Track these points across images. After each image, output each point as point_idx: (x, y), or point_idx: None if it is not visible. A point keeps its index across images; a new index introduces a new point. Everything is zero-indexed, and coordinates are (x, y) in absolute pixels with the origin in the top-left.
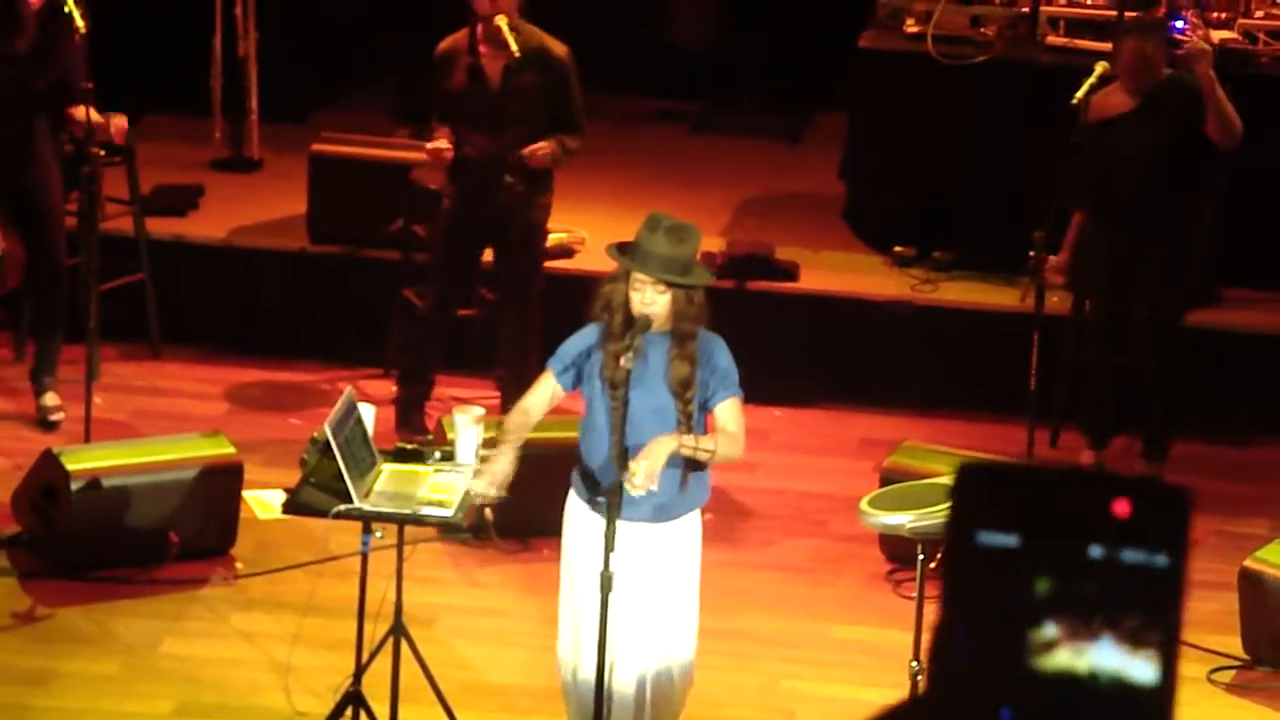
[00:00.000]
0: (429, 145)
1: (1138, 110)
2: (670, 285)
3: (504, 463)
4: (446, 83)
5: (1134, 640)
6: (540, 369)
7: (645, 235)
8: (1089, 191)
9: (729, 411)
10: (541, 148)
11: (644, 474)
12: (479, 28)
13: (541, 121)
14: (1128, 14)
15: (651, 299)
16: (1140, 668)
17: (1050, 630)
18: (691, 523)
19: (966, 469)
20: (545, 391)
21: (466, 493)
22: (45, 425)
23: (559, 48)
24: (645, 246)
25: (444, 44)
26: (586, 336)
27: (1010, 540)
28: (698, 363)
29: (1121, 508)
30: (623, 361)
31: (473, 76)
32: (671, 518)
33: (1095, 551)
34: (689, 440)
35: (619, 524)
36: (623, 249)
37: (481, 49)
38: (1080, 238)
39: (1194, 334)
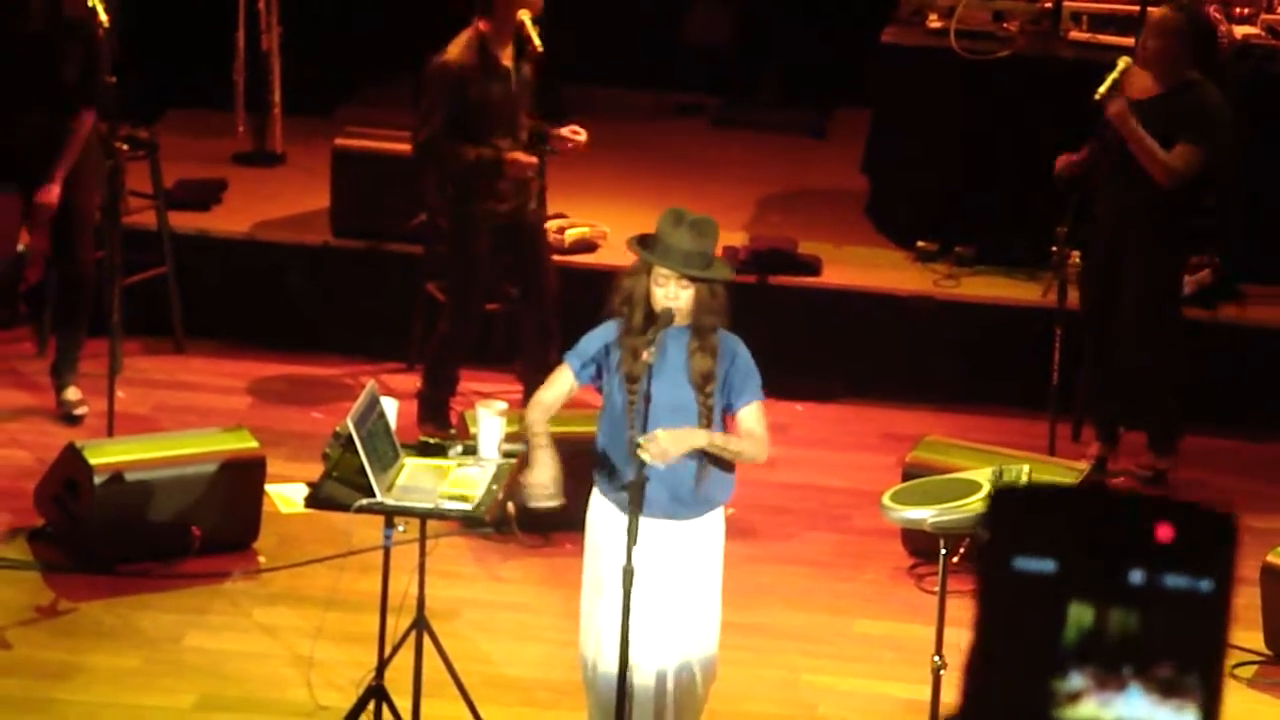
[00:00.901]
0: (514, 161)
1: (1156, 100)
2: (694, 280)
3: (552, 465)
4: (473, 93)
5: (1165, 689)
6: (560, 360)
7: (668, 229)
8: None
9: (753, 416)
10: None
11: (659, 446)
12: (493, 29)
13: (531, 110)
14: (1150, 9)
15: (675, 293)
16: (1168, 716)
17: (1077, 681)
18: (714, 519)
19: (1002, 494)
20: (563, 385)
21: (489, 488)
22: (69, 420)
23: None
24: (668, 241)
25: (453, 54)
26: (605, 332)
27: (1048, 565)
28: (719, 359)
29: (1165, 532)
30: (644, 355)
31: (500, 81)
32: (694, 514)
33: (1136, 576)
34: (719, 438)
35: (642, 520)
36: (643, 242)
37: (508, 51)
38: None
39: (1215, 330)
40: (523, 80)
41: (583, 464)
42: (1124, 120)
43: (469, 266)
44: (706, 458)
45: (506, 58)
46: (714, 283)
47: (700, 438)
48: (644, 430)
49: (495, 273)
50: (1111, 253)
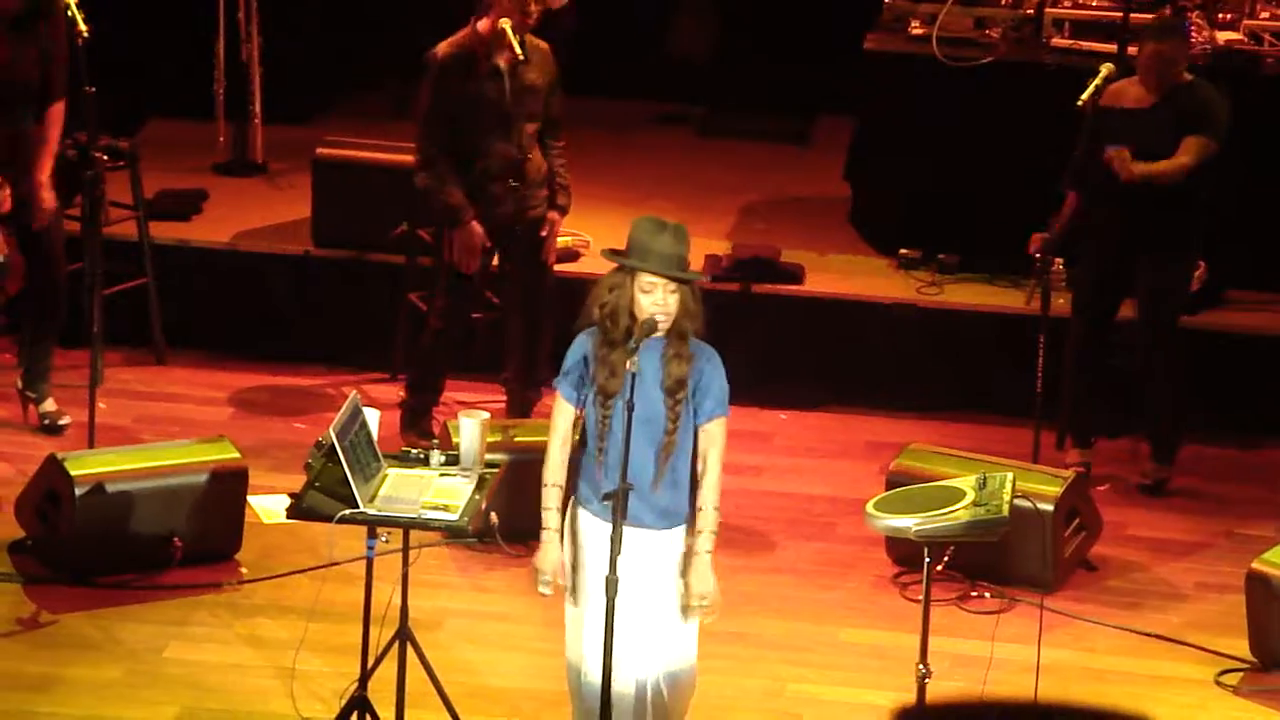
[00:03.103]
0: (463, 238)
1: (1154, 108)
2: (681, 283)
3: (554, 551)
4: (458, 89)
5: None
6: (548, 373)
7: (648, 237)
8: (1088, 177)
9: (716, 431)
10: (553, 247)
11: (713, 604)
12: (486, 30)
13: (541, 119)
14: (1134, 16)
15: (664, 300)
16: None
17: None
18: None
19: None
20: (567, 418)
21: (472, 498)
22: (52, 431)
23: (544, 43)
24: (652, 247)
25: (444, 50)
26: (581, 344)
27: None
28: (691, 367)
29: None
30: (629, 365)
31: (490, 80)
32: (677, 523)
33: None
34: (707, 544)
35: (624, 529)
36: (620, 253)
37: (496, 56)
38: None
39: (1202, 336)
40: (521, 84)
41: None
42: (1130, 176)
43: (446, 264)
44: (665, 463)
45: (502, 59)
46: (693, 285)
47: (709, 577)
48: (626, 440)
49: (482, 280)
50: (1113, 262)
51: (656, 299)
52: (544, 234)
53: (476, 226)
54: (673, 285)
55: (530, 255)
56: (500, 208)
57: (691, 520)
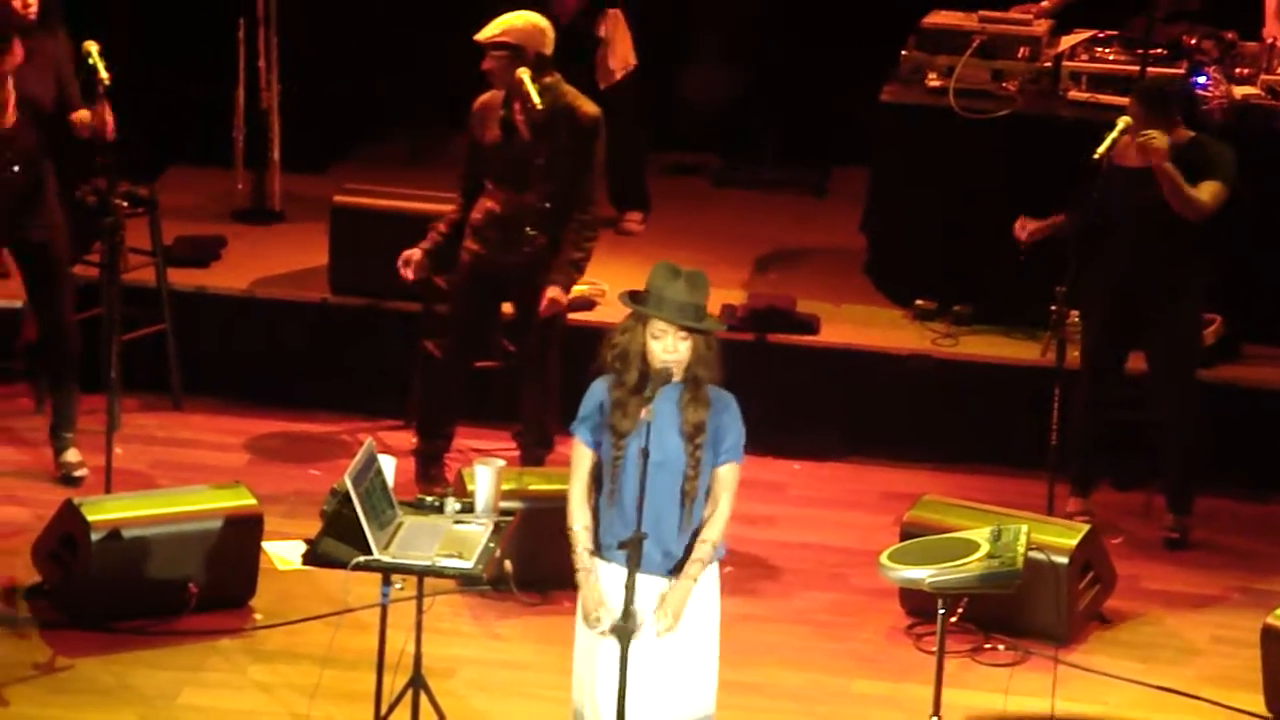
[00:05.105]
0: (405, 259)
1: (1148, 167)
2: (692, 331)
3: (594, 590)
4: (479, 136)
5: None
6: (560, 423)
7: (663, 282)
8: (1090, 235)
9: (729, 476)
10: (555, 301)
11: (668, 619)
12: (495, 82)
13: (566, 178)
14: (1150, 69)
15: (674, 345)
16: None
17: None
18: (708, 576)
19: None
20: (586, 462)
21: (487, 545)
22: (69, 482)
23: (590, 107)
24: (665, 293)
25: (481, 99)
26: (598, 390)
27: None
28: (710, 412)
29: None
30: (644, 414)
31: (504, 130)
32: None
33: None
34: (695, 571)
35: (639, 576)
36: (635, 297)
37: (515, 104)
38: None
39: (1218, 389)
40: (539, 138)
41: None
42: (1162, 159)
43: (450, 301)
44: (687, 510)
45: (517, 110)
46: (708, 334)
47: (688, 584)
48: (641, 487)
49: (484, 324)
50: (1118, 310)
51: (667, 345)
52: (542, 309)
53: (409, 253)
54: (683, 332)
55: (533, 310)
56: (491, 253)
57: (706, 570)
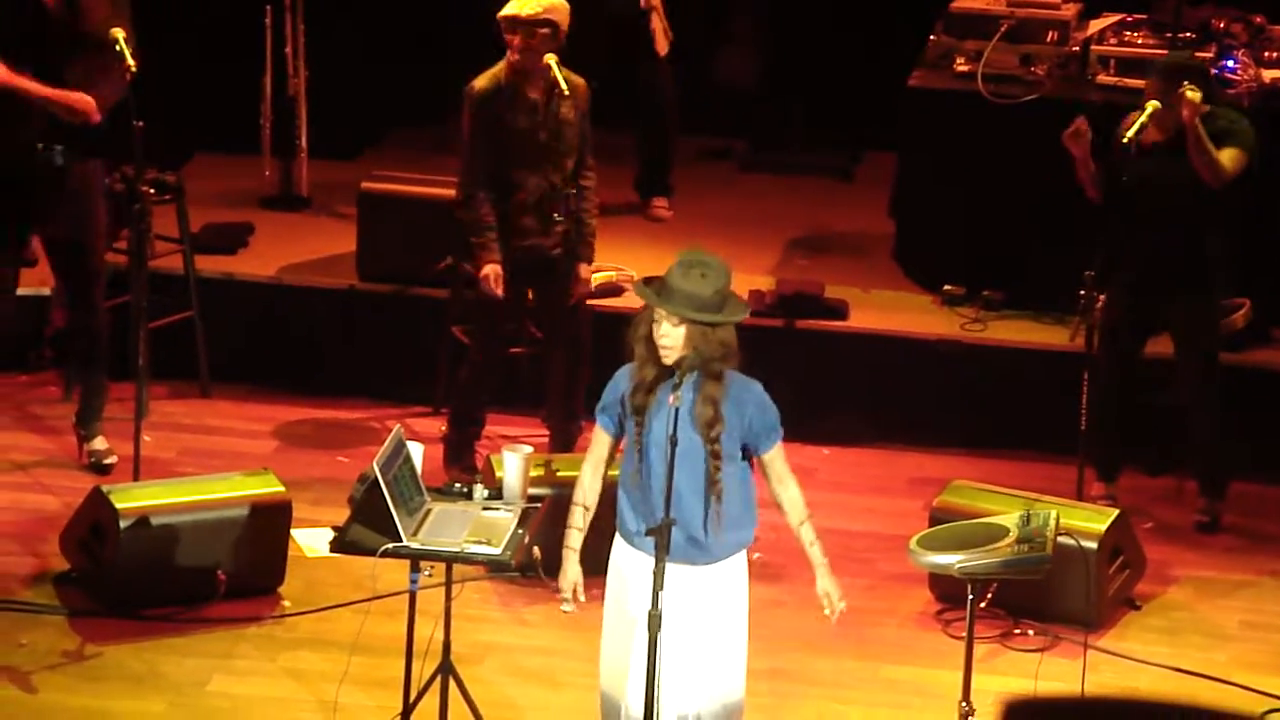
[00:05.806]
0: (485, 277)
1: (1165, 143)
2: (683, 320)
3: (571, 570)
4: (505, 124)
5: None
6: (588, 408)
7: (672, 270)
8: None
9: (779, 458)
10: (586, 283)
11: (834, 601)
12: (519, 65)
13: (578, 154)
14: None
15: (665, 332)
16: None
17: None
18: (736, 564)
19: (1015, 708)
20: (601, 448)
21: (515, 532)
22: (98, 469)
23: (580, 79)
24: (669, 282)
25: (481, 83)
26: (622, 378)
27: None
28: (728, 405)
29: None
30: (671, 400)
31: (532, 115)
32: (713, 559)
33: None
34: (817, 553)
35: (667, 564)
36: (649, 283)
37: (537, 87)
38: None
39: (1247, 373)
40: (556, 118)
41: (606, 509)
42: (1194, 114)
43: (486, 300)
44: (715, 499)
45: (535, 91)
46: (706, 325)
47: (828, 578)
48: (669, 475)
49: (517, 312)
50: (1141, 295)
51: (660, 330)
52: (576, 288)
53: (491, 271)
54: (674, 319)
55: (564, 292)
56: (531, 240)
57: (735, 554)
